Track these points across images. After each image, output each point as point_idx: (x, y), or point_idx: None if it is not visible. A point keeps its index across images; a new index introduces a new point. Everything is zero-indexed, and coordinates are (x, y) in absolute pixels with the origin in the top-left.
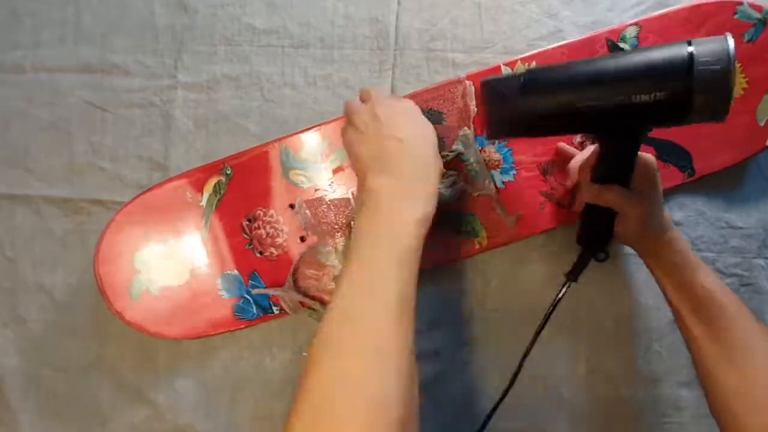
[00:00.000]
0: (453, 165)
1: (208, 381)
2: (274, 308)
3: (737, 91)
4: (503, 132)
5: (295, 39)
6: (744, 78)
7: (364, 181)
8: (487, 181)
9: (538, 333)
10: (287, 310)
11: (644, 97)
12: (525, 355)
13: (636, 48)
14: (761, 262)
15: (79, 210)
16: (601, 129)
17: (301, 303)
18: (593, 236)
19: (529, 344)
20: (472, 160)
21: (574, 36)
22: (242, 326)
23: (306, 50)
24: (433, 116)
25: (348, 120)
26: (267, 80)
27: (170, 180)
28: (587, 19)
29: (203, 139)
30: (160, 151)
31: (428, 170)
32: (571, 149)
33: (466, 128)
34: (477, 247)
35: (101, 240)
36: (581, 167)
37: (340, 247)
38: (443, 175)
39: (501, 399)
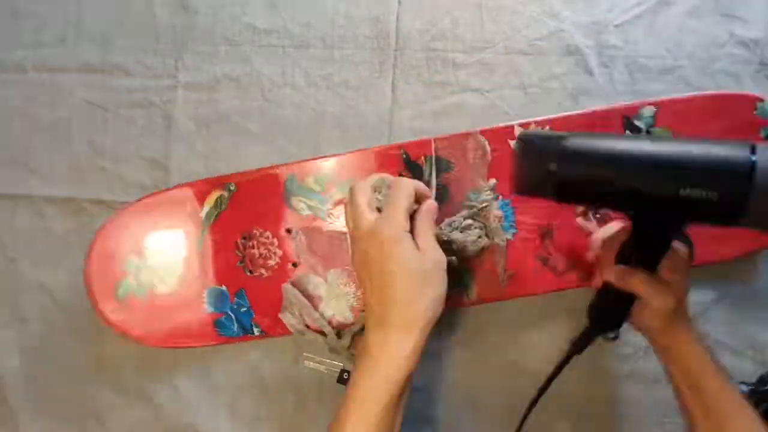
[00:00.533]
0: (481, 216)
1: (208, 381)
2: (255, 329)
3: None
4: (530, 190)
5: (295, 39)
6: None
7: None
8: (503, 234)
9: (537, 398)
10: (290, 329)
11: (695, 193)
12: (527, 412)
13: (691, 138)
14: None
15: (80, 210)
16: (639, 215)
17: (308, 326)
18: (607, 315)
19: (531, 403)
20: (491, 218)
21: (574, 37)
22: (221, 342)
23: (307, 50)
24: (441, 165)
25: (351, 227)
26: (268, 80)
27: (174, 188)
28: (588, 19)
29: (204, 139)
30: (160, 151)
31: (416, 319)
32: (590, 225)
33: (492, 179)
34: (465, 299)
35: (96, 237)
36: (606, 243)
37: (329, 279)
38: (469, 227)
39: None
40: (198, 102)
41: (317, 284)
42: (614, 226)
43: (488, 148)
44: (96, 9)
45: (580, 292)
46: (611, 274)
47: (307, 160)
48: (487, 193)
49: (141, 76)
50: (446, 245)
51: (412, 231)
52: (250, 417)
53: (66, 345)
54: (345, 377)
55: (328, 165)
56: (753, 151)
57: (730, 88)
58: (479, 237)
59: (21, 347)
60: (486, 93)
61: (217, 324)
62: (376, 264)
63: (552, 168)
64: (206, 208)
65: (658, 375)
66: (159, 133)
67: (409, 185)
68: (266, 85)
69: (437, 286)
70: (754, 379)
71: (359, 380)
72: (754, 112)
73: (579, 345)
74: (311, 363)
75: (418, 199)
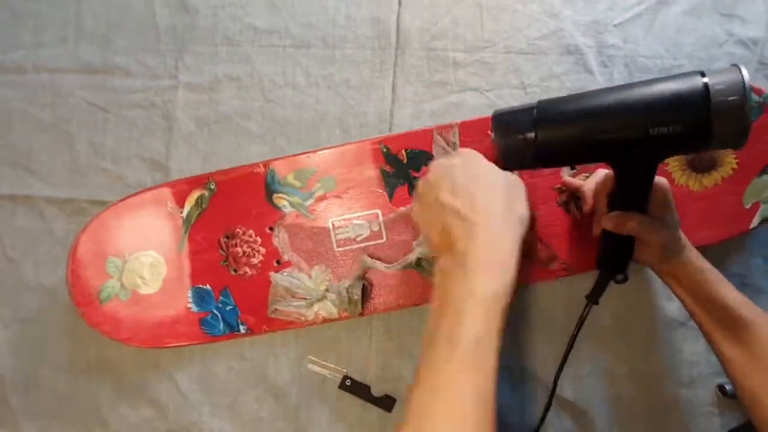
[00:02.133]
0: None
1: (210, 380)
2: (241, 327)
3: (727, 171)
4: (517, 164)
5: (296, 39)
6: (735, 159)
7: (438, 259)
8: None
9: (567, 354)
10: (288, 318)
11: (662, 129)
12: (558, 374)
13: (647, 80)
14: (760, 261)
15: (80, 211)
16: (617, 160)
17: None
18: (612, 260)
19: (561, 363)
20: None
21: (574, 37)
22: (207, 341)
23: (307, 50)
24: (422, 157)
25: (417, 196)
26: (268, 80)
27: (154, 188)
28: (588, 18)
29: (205, 140)
30: (161, 152)
31: (499, 241)
32: (576, 181)
33: None
34: None
35: (77, 240)
36: (596, 193)
37: (313, 275)
38: None
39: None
40: (199, 102)
41: (300, 280)
42: (598, 175)
43: (457, 142)
44: (96, 9)
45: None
46: (607, 221)
47: (287, 157)
48: None
49: (141, 76)
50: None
51: None
52: (251, 417)
53: (66, 345)
54: (347, 383)
55: (308, 160)
56: (703, 75)
57: None
58: None
59: (21, 347)
60: (486, 92)
61: (203, 323)
62: (461, 170)
63: (529, 136)
64: (187, 207)
65: (658, 375)
66: (160, 133)
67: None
68: (267, 85)
69: (523, 202)
70: None
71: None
72: None
73: (594, 295)
74: (315, 366)
75: None
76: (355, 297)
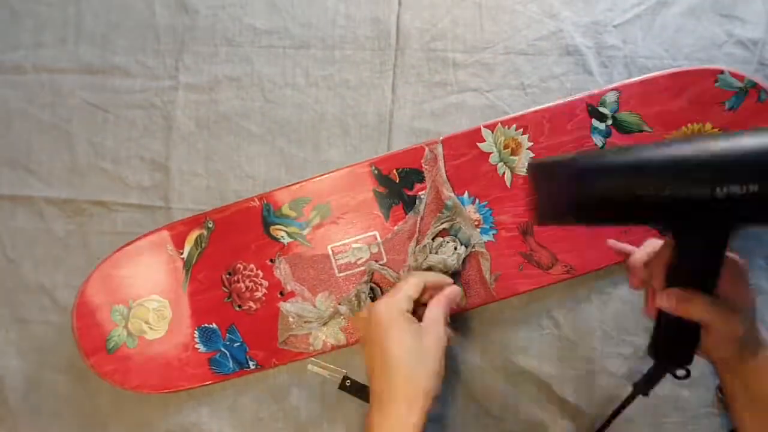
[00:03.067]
0: (453, 228)
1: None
2: (251, 363)
3: None
4: (554, 219)
5: (296, 39)
6: None
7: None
8: (478, 239)
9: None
10: (309, 344)
11: (733, 189)
12: None
13: (719, 133)
14: (761, 262)
15: (80, 211)
16: (675, 226)
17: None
18: (670, 350)
19: None
20: (463, 224)
21: (574, 37)
22: (218, 380)
23: (307, 51)
24: (413, 175)
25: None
26: (268, 81)
27: (152, 233)
28: (587, 19)
29: (204, 140)
30: (161, 152)
31: (416, 396)
32: (625, 246)
33: (451, 197)
34: (457, 307)
35: (80, 293)
36: (651, 266)
37: (317, 303)
38: (441, 245)
39: None
40: (198, 103)
41: (307, 310)
42: (653, 244)
43: (440, 158)
44: (96, 9)
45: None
46: (665, 299)
47: (279, 189)
48: (445, 215)
49: (141, 76)
50: (429, 270)
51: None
52: (251, 418)
53: (66, 346)
54: (347, 384)
55: (301, 190)
56: None
57: None
58: (456, 249)
59: (21, 348)
60: (486, 93)
61: (212, 362)
62: (377, 345)
63: (570, 191)
64: (187, 248)
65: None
66: (159, 134)
67: (419, 276)
68: (267, 85)
69: (435, 362)
70: None
71: None
72: (716, 84)
73: (645, 386)
74: (315, 368)
75: (437, 287)
76: (364, 298)
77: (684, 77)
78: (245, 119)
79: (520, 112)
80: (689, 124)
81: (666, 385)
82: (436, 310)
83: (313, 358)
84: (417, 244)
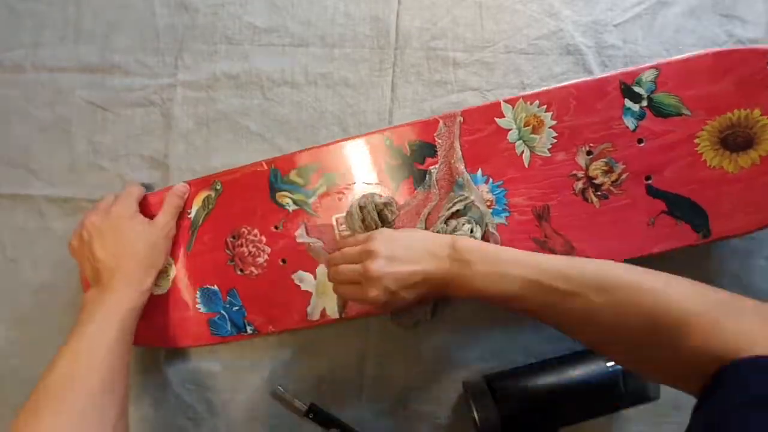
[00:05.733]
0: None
1: (207, 381)
2: (248, 328)
3: (766, 149)
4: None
5: (295, 37)
6: None
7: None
8: (490, 219)
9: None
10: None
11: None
12: None
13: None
14: (762, 262)
15: (80, 209)
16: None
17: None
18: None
19: None
20: (476, 202)
21: (574, 37)
22: (216, 341)
23: (306, 49)
24: (425, 149)
25: (75, 238)
26: (267, 79)
27: (162, 191)
28: (588, 19)
29: (203, 138)
30: (160, 150)
31: (131, 277)
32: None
33: (460, 175)
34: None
35: None
36: None
37: (318, 274)
38: (455, 228)
39: None
40: (197, 100)
41: (306, 280)
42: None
43: (457, 132)
44: (95, 8)
45: None
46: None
47: (290, 154)
48: (458, 195)
49: (140, 75)
50: None
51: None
52: (246, 417)
53: None
54: (310, 416)
55: (310, 157)
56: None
57: None
58: (471, 231)
59: (21, 347)
60: (486, 92)
61: (211, 324)
62: (110, 233)
63: (493, 409)
64: (195, 208)
65: None
66: (158, 132)
67: (135, 189)
68: (266, 83)
69: (163, 247)
70: None
71: (86, 325)
72: None
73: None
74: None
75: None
76: (370, 215)
77: (731, 57)
78: (244, 117)
79: (544, 88)
80: (735, 110)
81: (666, 386)
82: (165, 206)
83: (279, 386)
84: (426, 223)
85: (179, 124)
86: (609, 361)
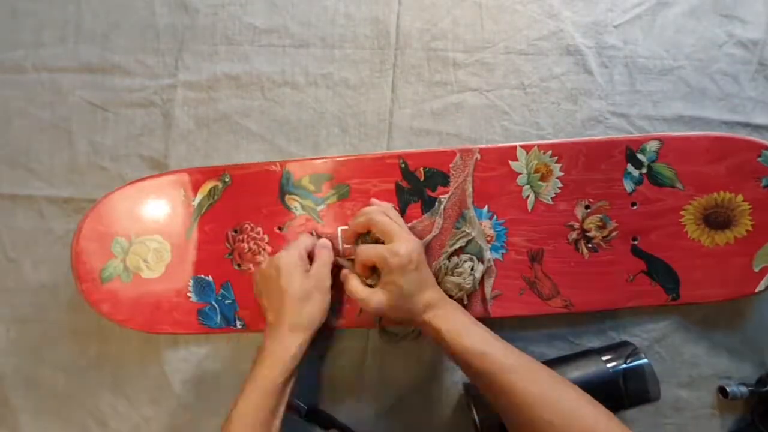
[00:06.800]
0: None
1: (208, 381)
2: (238, 322)
3: (741, 231)
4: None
5: (295, 38)
6: (750, 221)
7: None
8: (489, 255)
9: None
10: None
11: None
12: None
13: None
14: None
15: (80, 210)
16: None
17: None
18: None
19: None
20: (477, 238)
21: (574, 37)
22: (202, 331)
23: (307, 49)
24: (439, 177)
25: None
26: (267, 79)
27: (170, 173)
28: (588, 19)
29: (204, 138)
30: (160, 151)
31: (301, 323)
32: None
33: (467, 209)
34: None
35: (86, 217)
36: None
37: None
38: (457, 265)
39: None
40: (198, 101)
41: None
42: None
43: (472, 167)
44: (96, 8)
45: (562, 318)
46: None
47: (305, 159)
48: (462, 232)
49: (141, 75)
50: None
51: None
52: None
53: (66, 345)
54: (310, 417)
55: (325, 166)
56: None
57: (729, 88)
58: (472, 269)
59: (21, 347)
60: (486, 92)
61: (200, 314)
62: (274, 284)
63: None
64: (199, 197)
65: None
66: (159, 132)
67: (306, 239)
68: (266, 84)
69: (318, 300)
70: (753, 381)
71: (256, 368)
72: (758, 159)
73: None
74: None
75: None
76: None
77: (728, 143)
78: (244, 118)
79: (559, 140)
80: (721, 192)
81: (666, 386)
82: (319, 260)
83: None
84: (432, 256)
85: (180, 125)
86: (609, 361)
